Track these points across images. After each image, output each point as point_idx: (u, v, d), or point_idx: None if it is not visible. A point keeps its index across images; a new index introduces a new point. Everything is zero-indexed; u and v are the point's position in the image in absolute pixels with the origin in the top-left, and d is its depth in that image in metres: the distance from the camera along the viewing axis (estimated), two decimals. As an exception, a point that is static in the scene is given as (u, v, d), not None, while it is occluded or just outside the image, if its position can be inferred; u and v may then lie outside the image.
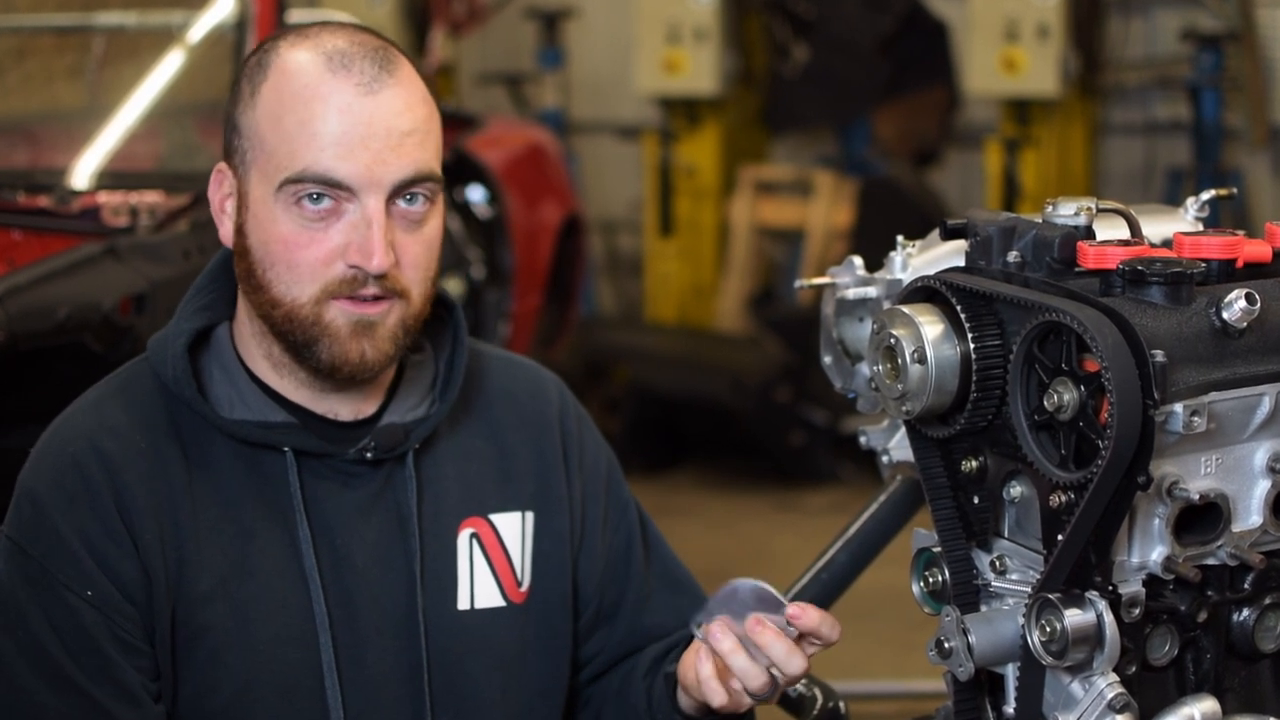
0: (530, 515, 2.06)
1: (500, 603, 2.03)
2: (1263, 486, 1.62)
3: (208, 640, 1.89)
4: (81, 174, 3.91)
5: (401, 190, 1.87)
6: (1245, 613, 1.68)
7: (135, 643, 1.88)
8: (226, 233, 1.94)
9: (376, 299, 1.87)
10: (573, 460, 2.12)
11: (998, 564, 1.73)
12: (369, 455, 1.96)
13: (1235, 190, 1.99)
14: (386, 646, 1.95)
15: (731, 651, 1.85)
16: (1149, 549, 1.60)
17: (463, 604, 2.01)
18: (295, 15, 4.13)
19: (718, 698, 1.88)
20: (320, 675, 1.91)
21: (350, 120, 1.84)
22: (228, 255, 1.98)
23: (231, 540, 1.91)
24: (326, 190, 1.84)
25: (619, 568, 2.15)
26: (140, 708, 1.87)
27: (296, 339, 1.89)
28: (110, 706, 1.85)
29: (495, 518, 2.04)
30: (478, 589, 2.02)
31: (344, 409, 1.98)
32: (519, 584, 2.05)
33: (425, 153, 1.88)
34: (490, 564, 2.03)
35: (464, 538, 2.02)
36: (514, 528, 2.05)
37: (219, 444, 1.93)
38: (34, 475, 1.91)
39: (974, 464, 1.72)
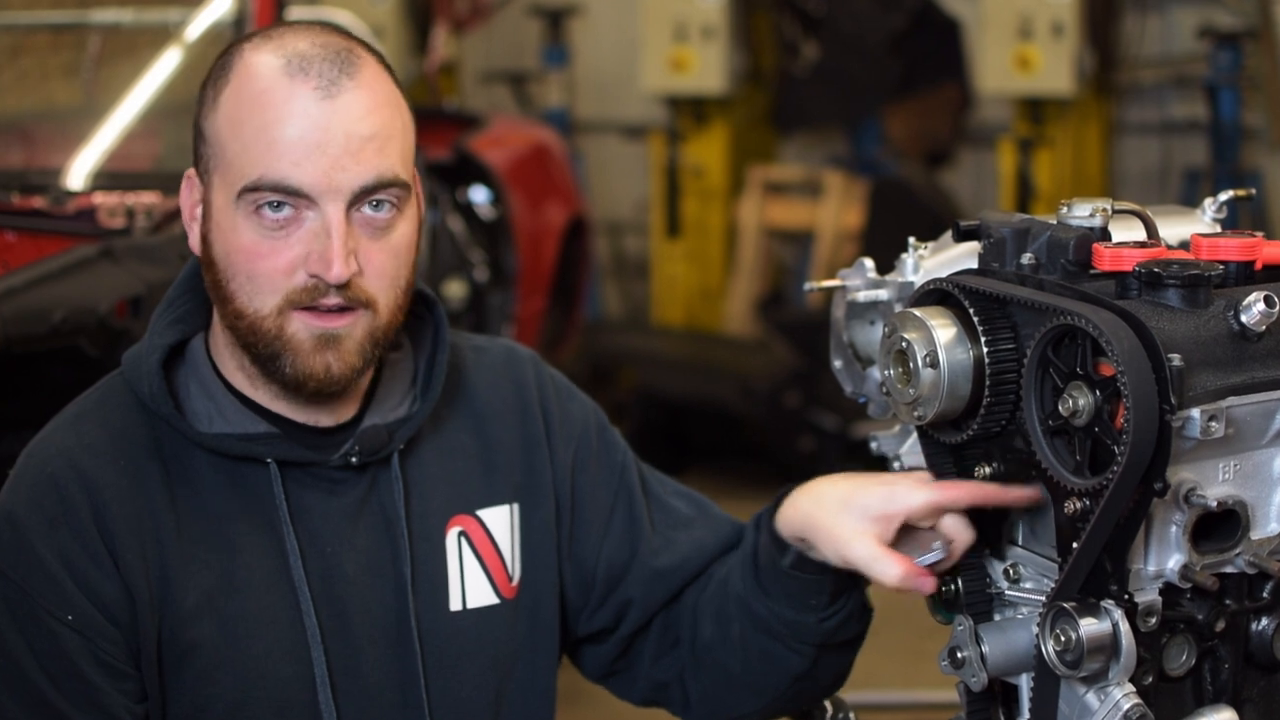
0: (517, 507, 2.04)
1: (493, 600, 2.01)
2: (1282, 493, 1.61)
3: (197, 658, 1.87)
4: (77, 174, 3.90)
5: (363, 197, 1.82)
6: (1264, 622, 1.67)
7: (119, 666, 1.85)
8: (195, 241, 1.91)
9: (342, 310, 1.83)
10: (555, 435, 2.09)
11: (1011, 572, 1.74)
12: (353, 460, 1.93)
13: (1254, 191, 1.98)
14: (381, 655, 1.93)
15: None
16: (1166, 557, 1.59)
17: (455, 605, 1.98)
18: (295, 13, 4.11)
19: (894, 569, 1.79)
20: (314, 689, 1.89)
21: (307, 125, 1.80)
22: (199, 264, 1.94)
23: (217, 555, 1.88)
24: (285, 198, 1.80)
25: (621, 527, 2.10)
26: None
27: (261, 352, 1.86)
28: None
29: (483, 513, 2.02)
30: (469, 588, 1.99)
31: (324, 416, 1.95)
32: (510, 578, 2.02)
33: (388, 158, 1.84)
34: (481, 561, 2.00)
35: (452, 537, 1.99)
36: (503, 521, 2.03)
37: (200, 459, 1.90)
38: (12, 496, 1.88)
39: (987, 470, 1.72)
